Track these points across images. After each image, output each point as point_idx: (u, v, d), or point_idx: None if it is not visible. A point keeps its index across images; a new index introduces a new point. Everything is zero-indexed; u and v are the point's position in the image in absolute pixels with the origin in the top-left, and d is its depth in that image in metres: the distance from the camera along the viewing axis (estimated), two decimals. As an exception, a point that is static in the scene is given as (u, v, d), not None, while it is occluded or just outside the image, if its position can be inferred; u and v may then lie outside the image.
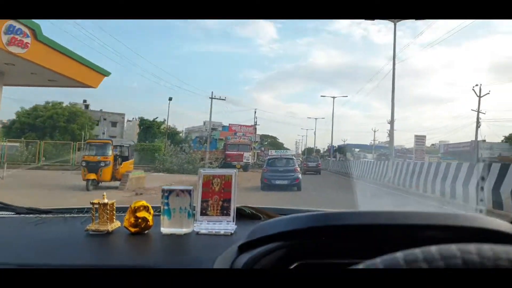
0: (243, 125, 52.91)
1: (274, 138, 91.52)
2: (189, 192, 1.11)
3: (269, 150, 35.94)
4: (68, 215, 1.38)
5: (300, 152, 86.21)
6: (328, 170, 37.22)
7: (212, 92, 36.38)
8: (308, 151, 79.83)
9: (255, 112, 55.41)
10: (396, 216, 0.76)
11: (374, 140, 65.57)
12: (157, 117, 42.41)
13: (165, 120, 43.89)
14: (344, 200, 9.32)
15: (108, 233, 1.10)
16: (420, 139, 40.22)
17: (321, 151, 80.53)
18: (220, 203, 1.13)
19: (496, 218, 0.75)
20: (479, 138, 34.21)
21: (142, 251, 1.00)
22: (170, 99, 36.02)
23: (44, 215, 1.35)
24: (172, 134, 41.09)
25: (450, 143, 47.92)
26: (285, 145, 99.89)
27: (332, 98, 49.26)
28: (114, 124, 52.77)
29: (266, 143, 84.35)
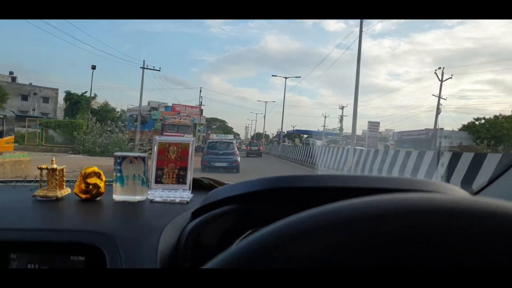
0: (188, 106, 51.02)
1: (223, 122, 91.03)
2: (143, 159, 1.11)
3: (211, 134, 34.53)
4: (17, 184, 1.34)
5: (249, 137, 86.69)
6: (276, 155, 36.84)
7: (144, 61, 31.32)
8: (257, 137, 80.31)
9: (200, 91, 53.37)
10: (357, 180, 0.77)
11: (324, 126, 66.23)
12: (85, 92, 37.13)
13: (96, 95, 40.15)
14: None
15: (57, 200, 1.08)
16: (373, 125, 39.83)
17: (270, 137, 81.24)
18: (176, 171, 1.14)
19: (455, 186, 0.79)
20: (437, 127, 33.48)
21: (93, 216, 0.99)
22: (94, 67, 30.57)
23: None
24: (103, 111, 37.34)
25: (405, 130, 45.97)
26: (234, 129, 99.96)
27: (284, 79, 47.87)
28: (46, 99, 48.71)
29: (214, 126, 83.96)
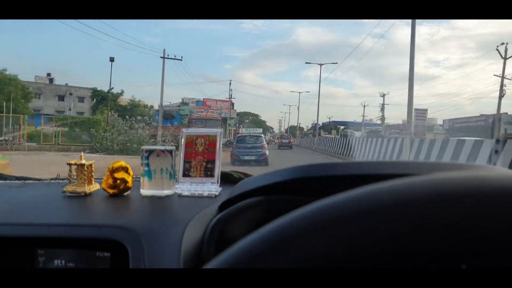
0: (219, 100, 50.03)
1: (256, 115, 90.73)
2: (170, 152, 1.09)
3: (240, 129, 33.64)
4: (51, 181, 1.37)
5: (283, 130, 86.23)
6: (311, 148, 35.23)
7: (164, 50, 29.43)
8: (291, 129, 79.74)
9: (230, 84, 51.47)
10: (402, 166, 0.69)
11: (364, 116, 62.86)
12: (112, 88, 35.14)
13: (122, 91, 38.63)
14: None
15: (86, 195, 1.09)
16: (420, 113, 34.68)
17: (305, 129, 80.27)
18: (204, 164, 1.12)
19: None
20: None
21: (119, 212, 0.99)
22: (112, 59, 27.86)
23: (29, 181, 1.36)
24: (130, 108, 35.06)
25: (457, 117, 39.92)
26: (267, 123, 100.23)
27: (319, 66, 44.72)
28: (81, 99, 49.38)
29: (247, 121, 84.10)
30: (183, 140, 1.13)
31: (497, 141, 7.70)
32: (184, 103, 47.31)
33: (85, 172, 1.13)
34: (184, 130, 1.14)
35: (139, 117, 23.51)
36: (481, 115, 34.97)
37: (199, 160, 1.12)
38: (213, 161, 1.12)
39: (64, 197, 1.07)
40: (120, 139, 20.99)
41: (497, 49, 30.74)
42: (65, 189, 1.10)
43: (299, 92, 68.53)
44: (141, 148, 1.11)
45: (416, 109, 33.84)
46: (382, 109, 51.11)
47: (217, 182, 1.11)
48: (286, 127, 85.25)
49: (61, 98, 48.12)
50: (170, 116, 31.97)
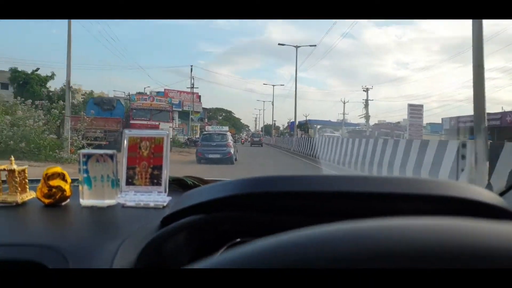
0: (184, 92, 47.06)
1: (229, 112, 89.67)
2: (111, 157, 1.03)
3: (206, 127, 31.76)
4: None
5: (259, 128, 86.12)
6: (288, 150, 30.13)
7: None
8: (266, 128, 79.74)
9: (191, 70, 46.53)
10: (361, 182, 0.69)
11: (344, 113, 59.88)
12: (37, 68, 29.57)
13: (53, 74, 30.57)
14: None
15: (18, 205, 1.02)
16: (415, 109, 29.64)
17: (281, 128, 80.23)
18: (150, 170, 1.06)
19: (480, 188, 0.70)
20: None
21: (52, 226, 0.92)
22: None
23: None
24: (58, 95, 24.25)
25: (462, 115, 31.37)
26: (243, 121, 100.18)
27: (295, 48, 36.74)
28: (5, 85, 34.95)
29: (220, 117, 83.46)
30: (125, 142, 1.06)
31: (463, 145, 7.33)
32: (140, 93, 38.78)
33: (17, 179, 1.05)
34: (126, 131, 1.08)
35: (38, 101, 16.71)
36: (496, 113, 28.12)
37: (144, 166, 1.06)
38: (160, 167, 1.06)
39: None
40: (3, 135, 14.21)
41: None
42: None
43: (273, 85, 63.14)
44: (77, 152, 1.04)
45: (410, 105, 29.69)
46: (366, 105, 47.39)
47: (165, 191, 1.05)
48: (261, 126, 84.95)
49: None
50: (108, 106, 23.98)
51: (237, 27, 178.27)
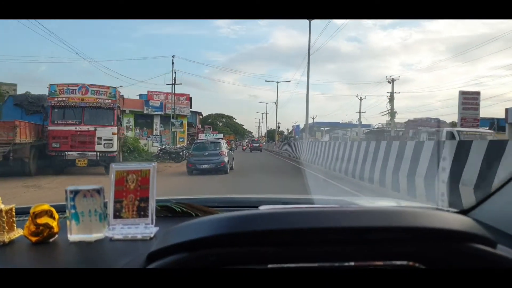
0: (174, 94, 39.76)
1: (230, 117, 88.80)
2: (98, 191, 1.08)
3: (200, 134, 27.56)
4: None
5: (262, 134, 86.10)
6: (295, 159, 24.49)
7: None
8: (269, 134, 79.57)
9: (172, 63, 38.21)
10: (338, 217, 0.77)
11: (360, 112, 51.84)
12: None
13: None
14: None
15: (5, 245, 1.06)
16: (470, 98, 22.97)
17: (285, 133, 80.00)
18: (137, 202, 1.11)
19: (444, 212, 0.80)
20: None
21: (44, 264, 0.97)
22: None
23: None
24: None
25: None
26: (245, 127, 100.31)
27: (308, 21, 28.10)
28: None
29: (220, 124, 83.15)
30: (112, 176, 1.11)
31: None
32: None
33: (4, 218, 1.10)
34: (113, 165, 1.13)
35: None
36: None
37: (131, 199, 1.11)
38: (146, 199, 1.11)
39: None
40: None
41: None
42: None
43: (277, 82, 56.94)
44: (65, 190, 1.09)
45: (463, 93, 23.42)
46: (391, 99, 37.72)
47: (152, 223, 1.10)
48: (264, 131, 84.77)
49: None
50: (35, 107, 18.23)
51: (243, 35, 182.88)
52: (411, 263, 0.78)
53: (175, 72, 37.53)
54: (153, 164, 1.13)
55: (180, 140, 41.39)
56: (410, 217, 0.79)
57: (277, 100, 54.44)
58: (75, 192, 1.08)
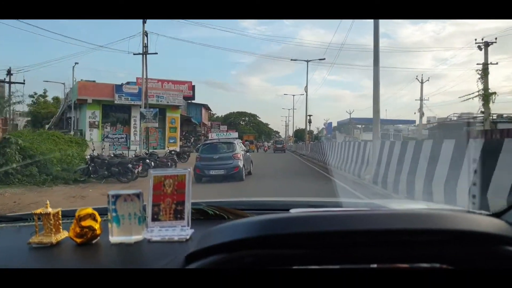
0: (171, 81, 36.18)
1: (254, 116, 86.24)
2: (137, 196, 1.21)
3: (210, 134, 25.53)
4: (22, 224, 1.49)
5: (290, 134, 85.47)
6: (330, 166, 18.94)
7: None
8: (297, 133, 78.55)
9: (143, 26, 26.33)
10: (368, 220, 0.83)
11: (421, 99, 43.20)
12: None
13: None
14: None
15: (53, 246, 1.20)
16: None
17: (315, 132, 78.58)
18: (173, 206, 1.23)
19: (476, 215, 0.86)
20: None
21: (88, 264, 1.09)
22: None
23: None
24: None
25: None
26: (271, 126, 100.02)
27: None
28: None
29: (243, 123, 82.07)
30: (151, 182, 1.24)
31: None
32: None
33: (51, 221, 1.24)
34: (151, 171, 1.25)
35: None
36: None
37: (168, 203, 1.23)
38: (182, 203, 1.23)
39: (30, 249, 1.18)
40: None
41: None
42: (31, 240, 1.21)
43: (307, 61, 42.35)
44: (107, 194, 1.22)
45: None
46: (485, 73, 26.72)
47: (188, 225, 1.22)
48: (293, 130, 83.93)
49: None
50: None
51: (269, 36, 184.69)
52: (444, 266, 0.83)
53: (146, 35, 26.40)
54: (189, 169, 1.25)
55: (171, 141, 33.74)
56: (442, 220, 0.84)
57: (307, 86, 44.55)
58: (116, 197, 1.22)
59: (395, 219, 0.84)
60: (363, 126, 60.69)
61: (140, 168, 14.39)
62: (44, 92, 48.72)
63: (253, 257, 0.85)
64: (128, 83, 33.23)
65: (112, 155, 16.87)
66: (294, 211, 1.08)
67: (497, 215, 1.23)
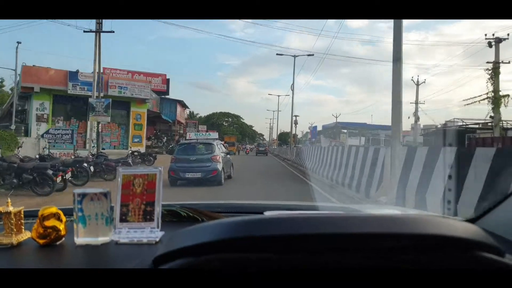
0: (136, 72, 33.25)
1: (238, 117, 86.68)
2: (105, 195, 1.16)
3: (187, 133, 23.59)
4: None
5: (274, 137, 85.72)
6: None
7: None
8: (281, 136, 78.85)
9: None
10: (344, 223, 0.81)
11: (416, 102, 41.97)
12: None
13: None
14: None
15: (13, 247, 1.14)
16: None
17: (300, 136, 78.84)
18: (143, 206, 1.19)
19: (452, 220, 0.84)
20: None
21: (50, 266, 1.04)
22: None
23: None
24: None
25: None
26: (255, 128, 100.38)
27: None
28: None
29: (226, 124, 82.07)
30: (119, 180, 1.19)
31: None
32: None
33: (13, 221, 1.18)
34: (120, 169, 1.20)
35: None
36: None
37: (137, 203, 1.18)
38: (152, 203, 1.18)
39: None
40: None
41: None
42: None
43: (294, 56, 39.08)
44: (73, 192, 1.17)
45: None
46: (496, 73, 24.38)
47: (158, 227, 1.18)
48: (277, 133, 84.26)
49: None
50: None
51: (257, 38, 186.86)
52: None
53: (101, 23, 23.63)
54: (160, 168, 1.21)
55: (135, 140, 30.67)
56: (417, 224, 0.82)
57: (293, 83, 42.23)
58: (83, 195, 1.16)
59: (371, 223, 0.82)
60: (348, 131, 60.90)
61: (68, 175, 11.74)
62: (1, 81, 45.46)
63: (221, 260, 0.82)
64: (72, 72, 28.50)
65: (37, 156, 14.80)
66: (268, 214, 1.05)
67: (472, 220, 1.23)
